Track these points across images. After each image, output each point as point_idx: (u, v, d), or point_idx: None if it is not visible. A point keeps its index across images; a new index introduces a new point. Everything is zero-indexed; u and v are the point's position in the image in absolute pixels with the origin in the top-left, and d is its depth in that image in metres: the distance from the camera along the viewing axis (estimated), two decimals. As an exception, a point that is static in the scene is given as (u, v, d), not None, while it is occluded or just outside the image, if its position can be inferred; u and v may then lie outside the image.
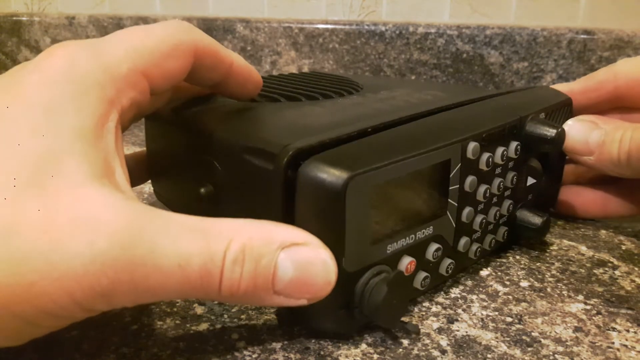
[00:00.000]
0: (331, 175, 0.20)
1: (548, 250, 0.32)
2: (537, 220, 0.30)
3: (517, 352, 0.23)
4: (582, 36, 0.64)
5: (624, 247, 0.33)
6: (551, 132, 0.29)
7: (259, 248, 0.19)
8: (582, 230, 0.36)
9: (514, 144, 0.29)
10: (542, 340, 0.24)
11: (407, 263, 0.24)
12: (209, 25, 0.71)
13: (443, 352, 0.23)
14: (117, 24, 0.73)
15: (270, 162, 0.22)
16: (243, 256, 0.18)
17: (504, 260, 0.31)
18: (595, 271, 0.30)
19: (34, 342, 0.23)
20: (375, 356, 0.22)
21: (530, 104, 0.31)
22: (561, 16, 0.66)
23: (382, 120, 0.25)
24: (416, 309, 0.26)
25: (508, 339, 0.24)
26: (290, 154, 0.21)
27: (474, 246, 0.28)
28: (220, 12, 0.73)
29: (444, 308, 0.26)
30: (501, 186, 0.28)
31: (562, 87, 0.35)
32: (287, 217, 0.21)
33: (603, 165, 0.31)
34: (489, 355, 0.23)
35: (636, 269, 0.30)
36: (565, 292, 0.28)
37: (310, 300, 0.20)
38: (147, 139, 0.33)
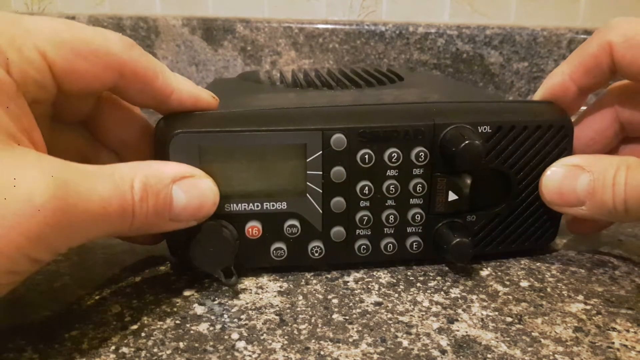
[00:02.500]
0: (164, 129, 0.26)
1: (548, 251, 0.32)
2: (450, 239, 0.28)
3: (517, 352, 0.23)
4: (582, 36, 0.64)
5: (624, 247, 0.33)
6: (455, 145, 0.26)
7: (156, 185, 0.22)
8: (582, 230, 0.36)
9: (416, 150, 0.27)
10: (542, 340, 0.24)
11: (249, 226, 0.28)
12: (209, 25, 0.71)
13: (443, 352, 0.23)
14: (117, 24, 0.73)
15: None
16: (146, 194, 0.22)
17: (504, 260, 0.31)
18: (595, 271, 0.30)
19: (34, 343, 0.23)
20: (375, 356, 0.23)
21: (465, 114, 0.28)
22: (561, 16, 0.66)
23: (297, 105, 0.29)
24: (416, 309, 0.26)
25: (508, 339, 0.24)
26: (163, 117, 0.27)
27: (359, 242, 0.29)
28: (220, 12, 0.73)
29: (444, 308, 0.26)
30: (392, 189, 0.28)
31: (556, 75, 0.30)
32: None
33: (598, 215, 0.27)
34: (489, 355, 0.23)
35: (636, 269, 0.30)
36: (565, 292, 0.28)
37: (198, 221, 0.25)
38: None
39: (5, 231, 0.18)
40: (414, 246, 0.29)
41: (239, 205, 0.27)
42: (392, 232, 0.29)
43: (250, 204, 0.27)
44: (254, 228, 0.28)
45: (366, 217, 0.28)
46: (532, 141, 0.29)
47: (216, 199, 0.25)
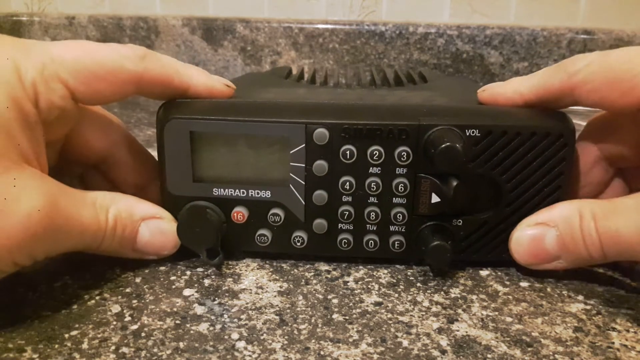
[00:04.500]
0: (162, 115, 0.28)
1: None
2: (429, 242, 0.27)
3: (517, 352, 0.23)
4: (582, 36, 0.64)
5: (624, 247, 0.33)
6: (435, 147, 0.26)
7: (126, 219, 0.27)
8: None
9: (399, 149, 0.27)
10: (542, 340, 0.24)
11: (234, 211, 0.29)
12: (209, 25, 0.71)
13: (443, 352, 0.23)
14: (117, 24, 0.73)
15: None
16: (115, 225, 0.26)
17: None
18: (595, 271, 0.30)
19: (34, 343, 0.23)
20: (375, 356, 0.23)
21: (453, 116, 0.27)
22: (561, 16, 0.66)
23: (299, 101, 0.30)
24: (416, 309, 0.26)
25: (508, 339, 0.24)
26: (163, 103, 0.29)
27: (341, 236, 0.29)
28: (220, 12, 0.73)
29: (444, 308, 0.26)
30: (374, 187, 0.28)
31: (509, 88, 0.29)
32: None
33: (577, 264, 0.27)
34: (489, 355, 0.23)
35: (636, 268, 0.30)
36: (565, 292, 0.28)
37: (159, 257, 0.29)
38: None
39: (4, 236, 0.22)
40: (396, 245, 0.29)
41: (226, 190, 0.29)
42: (375, 229, 0.29)
43: (237, 190, 0.29)
44: (239, 213, 0.29)
45: (347, 212, 0.29)
46: (526, 148, 0.27)
47: (177, 242, 0.28)
